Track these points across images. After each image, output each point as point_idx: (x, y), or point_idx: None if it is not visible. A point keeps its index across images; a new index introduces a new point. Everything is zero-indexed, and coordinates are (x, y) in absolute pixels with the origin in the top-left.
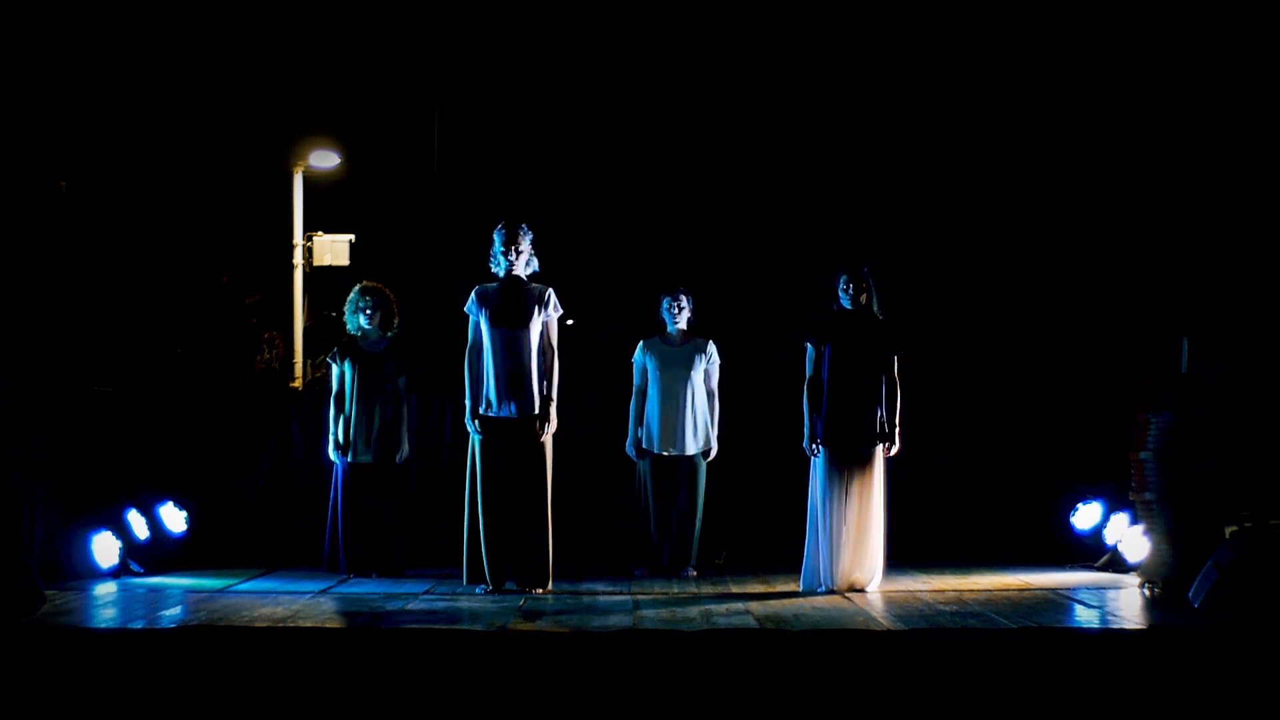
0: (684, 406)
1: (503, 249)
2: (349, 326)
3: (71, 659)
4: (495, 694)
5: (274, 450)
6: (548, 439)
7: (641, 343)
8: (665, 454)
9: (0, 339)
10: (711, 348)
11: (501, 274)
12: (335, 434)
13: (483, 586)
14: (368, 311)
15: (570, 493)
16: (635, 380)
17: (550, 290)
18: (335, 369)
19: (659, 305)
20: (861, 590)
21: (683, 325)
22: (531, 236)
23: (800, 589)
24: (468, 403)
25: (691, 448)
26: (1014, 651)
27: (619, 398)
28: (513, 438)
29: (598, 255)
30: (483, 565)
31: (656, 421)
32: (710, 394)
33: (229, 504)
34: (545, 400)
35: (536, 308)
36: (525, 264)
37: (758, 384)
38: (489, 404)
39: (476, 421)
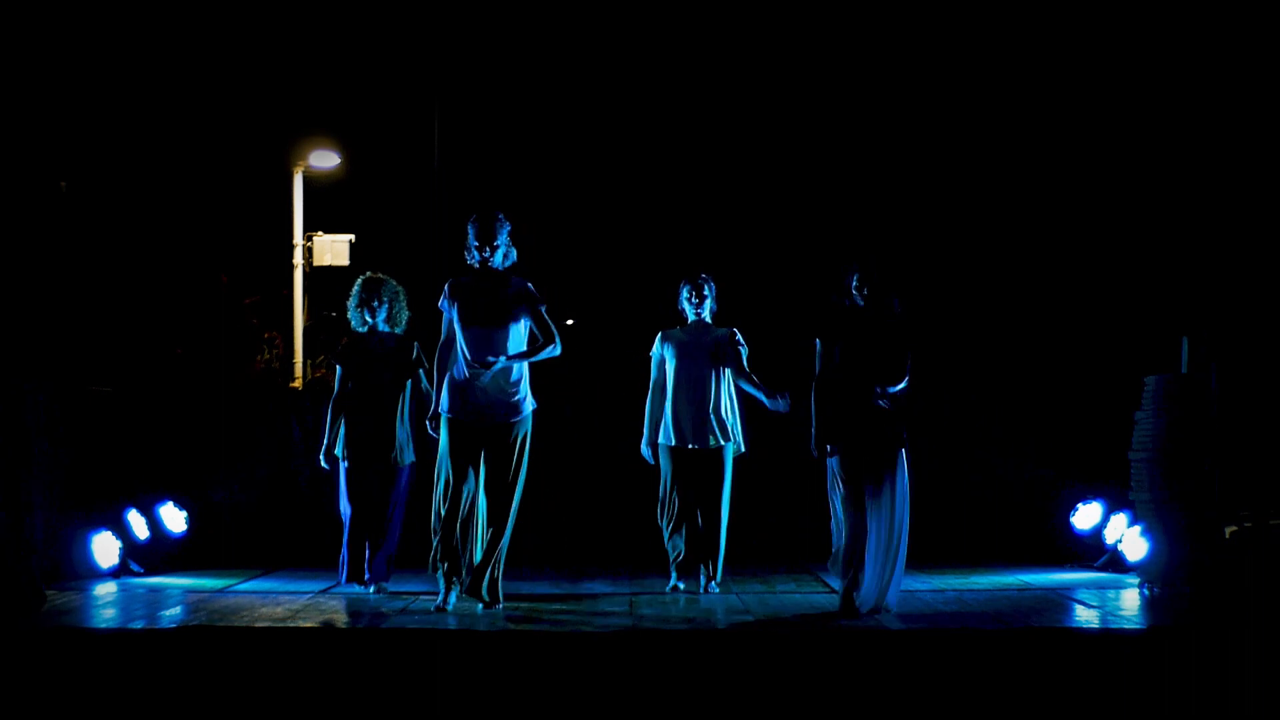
0: (708, 399)
1: (477, 242)
2: (353, 323)
3: (71, 659)
4: (495, 694)
5: (274, 451)
6: (523, 444)
7: (660, 334)
8: (689, 449)
9: (0, 339)
10: (737, 335)
11: (476, 267)
12: (329, 439)
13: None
14: (373, 305)
15: (572, 492)
16: (652, 374)
17: (527, 284)
18: (340, 370)
19: (677, 294)
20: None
21: (705, 316)
22: (510, 227)
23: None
24: (435, 401)
25: (716, 441)
26: (1014, 651)
27: (622, 394)
28: (483, 443)
29: (602, 250)
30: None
31: (679, 415)
32: (745, 374)
33: (229, 504)
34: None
35: (514, 308)
36: (503, 256)
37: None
38: (457, 406)
39: (445, 421)
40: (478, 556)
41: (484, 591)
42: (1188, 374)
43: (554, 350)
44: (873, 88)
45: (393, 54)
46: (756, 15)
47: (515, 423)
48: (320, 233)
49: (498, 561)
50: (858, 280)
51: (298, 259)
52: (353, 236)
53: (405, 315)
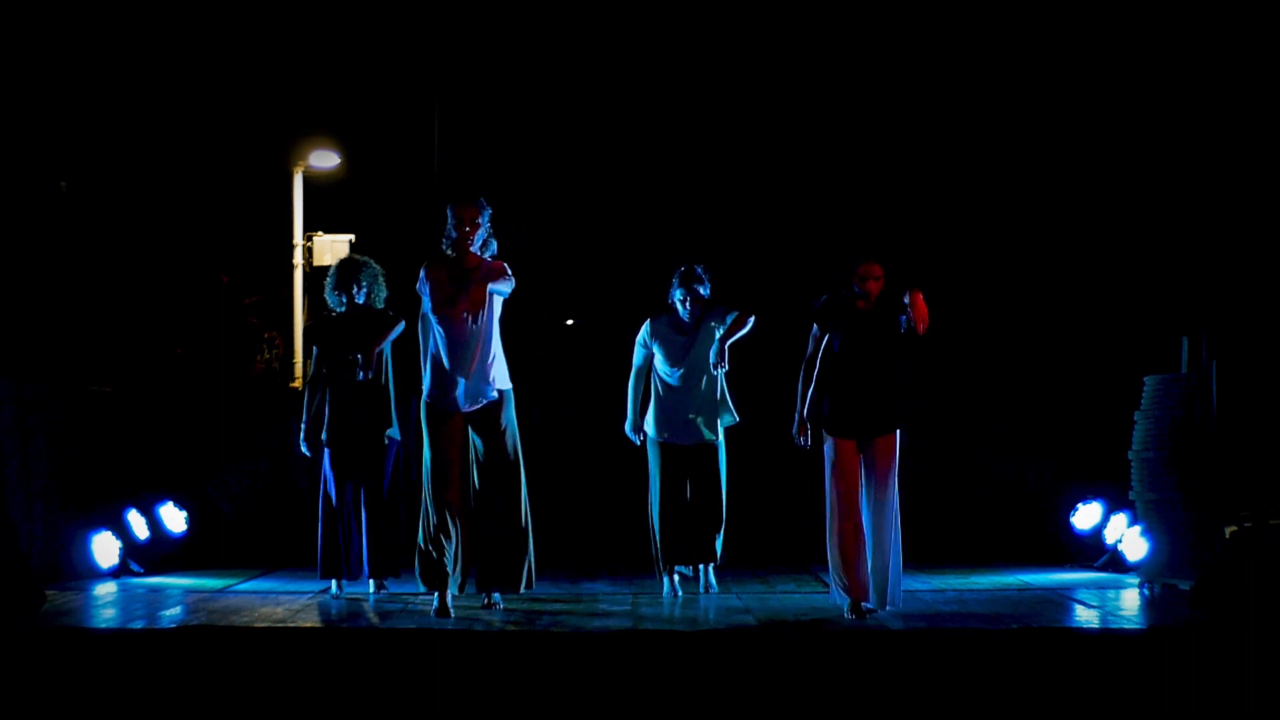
0: (699, 395)
1: (455, 223)
2: (330, 303)
3: (71, 659)
4: (495, 694)
5: (274, 450)
6: (512, 421)
7: (649, 322)
8: (683, 445)
9: (0, 339)
10: (726, 313)
11: (454, 254)
12: (309, 422)
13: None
14: (351, 289)
15: (572, 492)
16: (635, 361)
17: (502, 265)
18: (316, 351)
19: (670, 285)
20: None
21: (697, 311)
22: (490, 212)
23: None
24: (424, 378)
25: (711, 435)
26: (1014, 651)
27: (622, 395)
28: (471, 428)
29: (602, 251)
30: (418, 569)
31: (671, 415)
32: (732, 332)
33: (229, 504)
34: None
35: (486, 292)
36: (481, 243)
37: (757, 377)
38: (437, 395)
39: (425, 408)
40: (487, 547)
41: (522, 585)
42: (1187, 374)
43: (508, 284)
44: (871, 88)
45: (393, 54)
46: (755, 17)
47: (498, 398)
48: (320, 233)
49: (527, 547)
50: (861, 276)
51: (298, 259)
52: (353, 236)
53: (384, 295)
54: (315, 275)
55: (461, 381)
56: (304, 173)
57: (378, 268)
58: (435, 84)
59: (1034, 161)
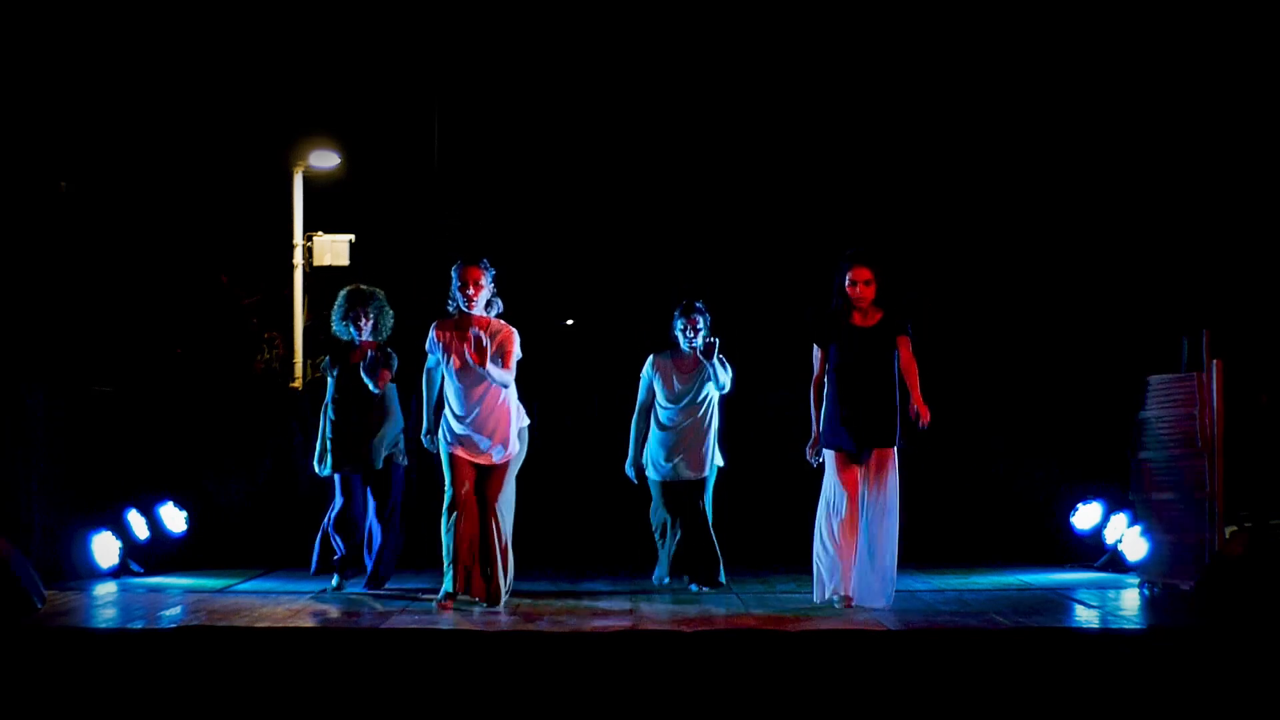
0: (694, 433)
1: (459, 286)
2: (338, 334)
3: (71, 659)
4: (495, 694)
5: (274, 450)
6: (517, 464)
7: (652, 358)
8: (677, 480)
9: (1, 340)
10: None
11: (460, 315)
12: (326, 444)
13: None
14: (360, 321)
15: (573, 495)
16: (640, 397)
17: (512, 334)
18: (329, 379)
19: (671, 320)
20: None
21: (698, 344)
22: (494, 273)
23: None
24: (425, 422)
25: (701, 472)
26: (1014, 651)
27: (622, 400)
28: (483, 466)
29: (602, 254)
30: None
31: (667, 450)
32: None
33: (229, 504)
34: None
35: (494, 354)
36: (485, 303)
37: (756, 387)
38: (454, 442)
39: (448, 455)
40: (482, 560)
41: (488, 591)
42: (1188, 374)
43: (503, 379)
44: (870, 88)
45: (393, 54)
46: (755, 21)
47: (512, 446)
48: (320, 233)
49: (505, 560)
50: (849, 280)
51: (298, 259)
52: (353, 236)
53: (390, 324)
54: (315, 275)
55: (482, 437)
56: (304, 173)
57: (383, 298)
58: (434, 85)
59: (1035, 164)
